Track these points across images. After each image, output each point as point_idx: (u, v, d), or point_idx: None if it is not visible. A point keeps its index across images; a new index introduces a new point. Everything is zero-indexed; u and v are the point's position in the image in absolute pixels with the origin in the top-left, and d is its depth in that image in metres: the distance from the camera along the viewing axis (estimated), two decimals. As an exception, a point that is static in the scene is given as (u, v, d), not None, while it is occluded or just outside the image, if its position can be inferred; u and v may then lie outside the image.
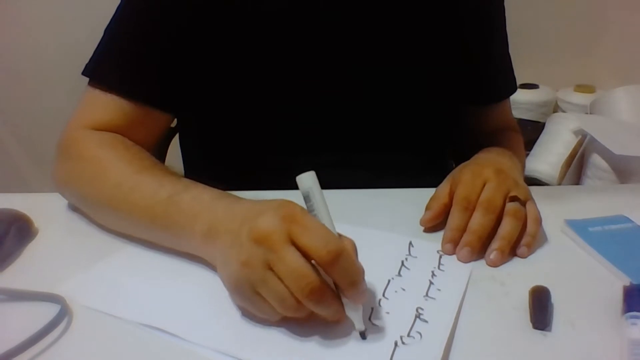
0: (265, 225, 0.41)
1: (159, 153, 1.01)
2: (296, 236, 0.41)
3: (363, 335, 0.43)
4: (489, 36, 0.79)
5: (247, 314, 0.45)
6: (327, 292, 0.41)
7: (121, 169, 0.58)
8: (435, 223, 0.60)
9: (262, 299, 0.42)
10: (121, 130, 0.63)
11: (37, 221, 0.60)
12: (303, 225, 0.41)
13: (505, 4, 0.80)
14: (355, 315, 0.43)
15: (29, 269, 0.54)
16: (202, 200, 0.51)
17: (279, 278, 0.40)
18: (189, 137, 0.84)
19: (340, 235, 0.44)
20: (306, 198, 0.44)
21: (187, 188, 0.53)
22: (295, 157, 0.71)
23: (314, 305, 0.41)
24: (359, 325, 0.43)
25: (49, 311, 0.45)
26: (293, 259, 0.40)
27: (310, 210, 0.44)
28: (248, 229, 0.42)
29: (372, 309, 0.47)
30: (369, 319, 0.46)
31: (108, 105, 0.63)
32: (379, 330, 0.44)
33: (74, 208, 0.63)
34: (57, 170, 0.63)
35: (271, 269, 0.41)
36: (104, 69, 0.64)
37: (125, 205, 0.55)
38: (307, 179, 0.44)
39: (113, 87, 0.63)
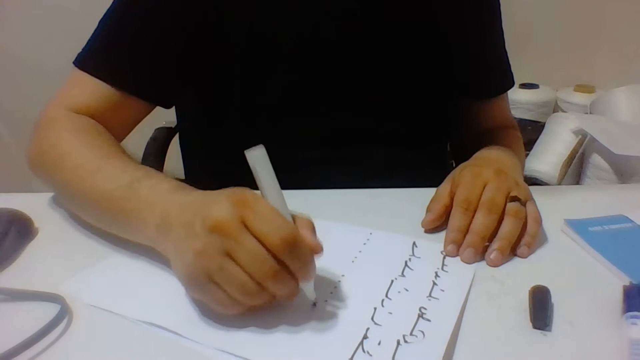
0: (218, 213, 0.42)
1: (159, 153, 1.01)
2: (249, 222, 0.41)
3: (315, 304, 0.46)
4: (483, 31, 0.79)
5: (206, 309, 0.45)
6: (285, 273, 0.42)
7: (86, 152, 0.58)
8: (436, 225, 0.60)
9: (219, 288, 0.42)
10: (99, 113, 0.64)
11: (37, 221, 0.60)
12: (255, 211, 0.42)
13: (506, 4, 0.80)
14: (306, 287, 0.45)
15: (29, 269, 0.54)
16: (158, 190, 0.51)
17: (238, 264, 0.41)
18: (188, 136, 0.84)
19: (294, 217, 0.45)
20: (254, 176, 0.44)
21: (147, 176, 0.53)
22: (293, 154, 0.71)
23: (275, 287, 0.42)
24: (311, 295, 0.46)
25: (49, 311, 0.45)
26: (251, 244, 0.41)
27: (259, 188, 0.44)
28: (202, 218, 0.42)
29: (375, 309, 0.47)
30: (372, 318, 0.46)
31: (89, 88, 0.65)
32: (381, 329, 0.44)
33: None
34: (30, 148, 0.64)
35: (229, 256, 0.41)
36: (90, 55, 0.66)
37: (86, 186, 0.55)
38: (251, 156, 0.43)
39: (96, 72, 0.64)
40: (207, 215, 0.42)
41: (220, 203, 0.43)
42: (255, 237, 0.41)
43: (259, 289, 0.42)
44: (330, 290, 0.49)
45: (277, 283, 0.42)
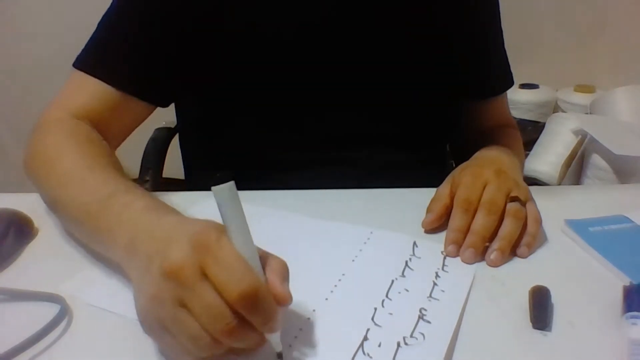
0: (175, 257, 0.37)
1: (159, 153, 1.01)
2: (208, 270, 0.37)
3: (280, 356, 0.40)
4: (482, 30, 0.79)
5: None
6: (246, 328, 0.37)
7: (74, 160, 0.57)
8: (437, 225, 0.60)
9: (172, 337, 0.38)
10: (98, 114, 0.64)
11: (37, 221, 0.60)
12: (216, 258, 0.37)
13: (506, 4, 0.80)
14: (272, 338, 0.40)
15: (29, 269, 0.54)
16: (132, 209, 0.47)
17: (193, 316, 0.37)
18: (188, 136, 0.84)
19: (266, 259, 0.40)
20: (221, 214, 0.39)
21: (125, 191, 0.50)
22: (291, 154, 0.71)
23: (233, 342, 0.38)
24: (277, 347, 0.40)
25: (49, 311, 0.45)
26: (208, 296, 0.36)
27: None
28: (160, 259, 0.38)
29: (375, 309, 0.47)
30: (372, 319, 0.46)
31: (89, 89, 0.64)
32: (381, 331, 0.44)
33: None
34: (25, 150, 0.63)
35: (183, 305, 0.37)
36: (90, 56, 0.66)
37: (67, 195, 0.54)
38: (217, 193, 0.38)
39: (96, 72, 0.64)
40: (165, 257, 0.38)
41: (179, 245, 0.38)
42: (214, 288, 0.37)
43: (214, 344, 0.37)
44: (331, 290, 0.49)
45: (234, 339, 0.37)
